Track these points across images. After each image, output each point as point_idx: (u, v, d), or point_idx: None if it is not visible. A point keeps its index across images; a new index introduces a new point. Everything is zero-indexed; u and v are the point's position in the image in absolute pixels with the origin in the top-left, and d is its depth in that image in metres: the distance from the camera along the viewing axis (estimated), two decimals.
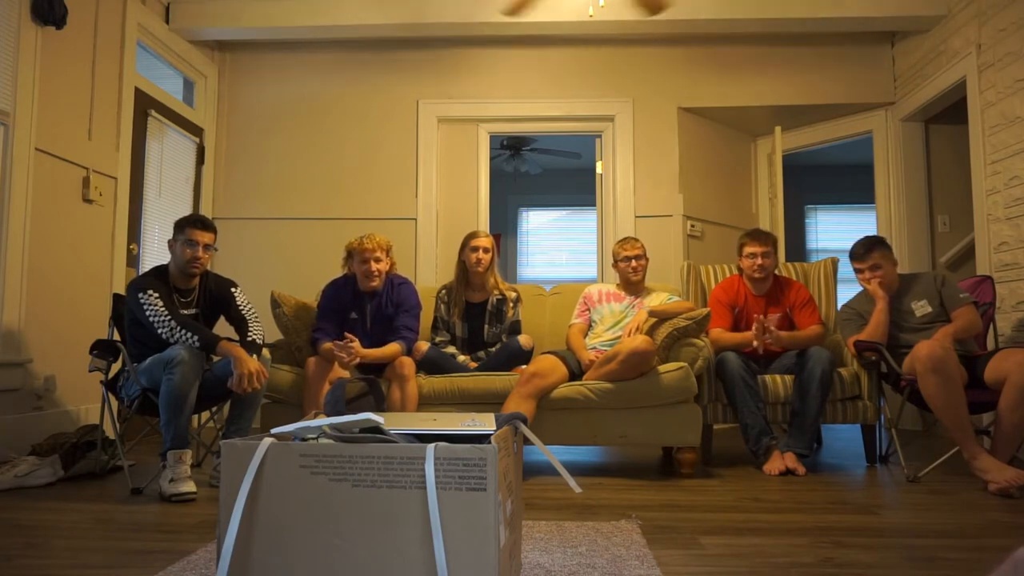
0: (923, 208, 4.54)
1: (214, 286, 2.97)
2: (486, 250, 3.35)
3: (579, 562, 1.72)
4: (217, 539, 1.22)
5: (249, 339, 2.86)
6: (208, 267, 2.92)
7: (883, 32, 4.58)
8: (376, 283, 3.18)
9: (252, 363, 2.67)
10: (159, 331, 2.67)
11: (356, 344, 2.95)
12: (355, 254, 3.19)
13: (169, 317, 2.67)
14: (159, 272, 2.85)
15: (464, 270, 3.40)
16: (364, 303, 3.23)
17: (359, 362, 2.98)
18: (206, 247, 2.84)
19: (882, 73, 4.63)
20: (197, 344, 2.66)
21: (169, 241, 2.88)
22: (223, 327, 3.12)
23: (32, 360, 3.22)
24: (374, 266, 3.14)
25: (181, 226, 2.84)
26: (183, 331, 2.65)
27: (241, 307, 2.98)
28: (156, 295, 2.71)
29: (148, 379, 2.68)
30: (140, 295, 2.70)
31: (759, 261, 3.34)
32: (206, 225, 2.86)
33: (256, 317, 2.98)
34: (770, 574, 1.66)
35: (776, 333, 3.15)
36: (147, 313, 2.68)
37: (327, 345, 3.02)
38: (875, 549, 1.87)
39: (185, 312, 2.87)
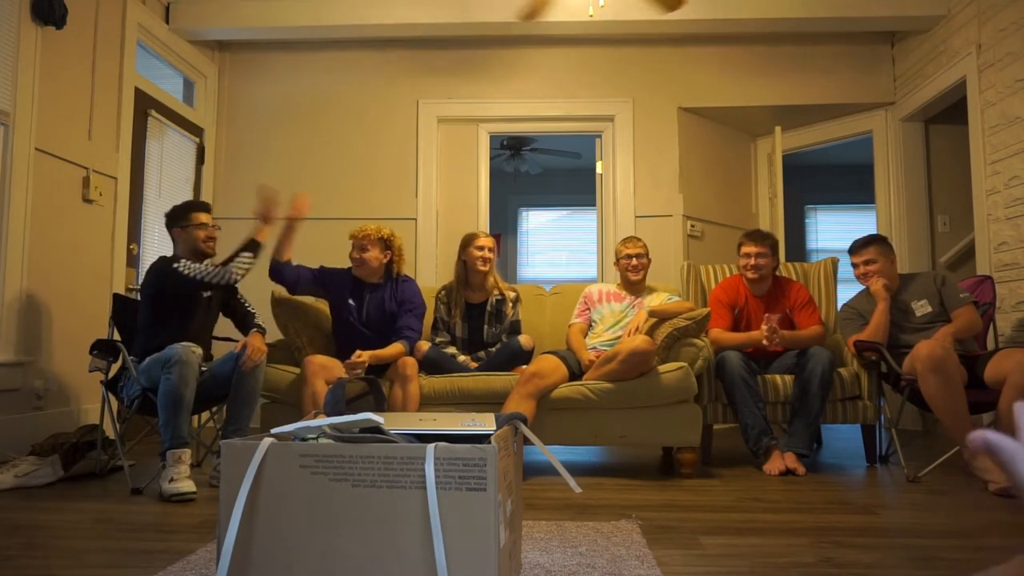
0: (923, 208, 4.54)
1: None
2: (490, 249, 3.36)
3: (579, 562, 1.72)
4: (217, 539, 1.22)
5: (258, 323, 3.06)
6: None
7: (883, 32, 4.58)
8: (363, 272, 3.18)
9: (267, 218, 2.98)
10: (207, 279, 2.78)
11: (364, 358, 2.94)
12: (352, 240, 3.22)
13: (216, 265, 2.83)
14: (172, 256, 2.92)
15: (464, 270, 3.39)
16: (363, 293, 3.21)
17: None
18: (213, 226, 2.98)
19: (882, 73, 4.63)
20: (251, 253, 2.87)
21: (174, 231, 2.93)
22: (223, 324, 3.16)
23: (32, 360, 3.22)
24: (359, 255, 3.17)
25: (183, 214, 2.93)
26: (235, 266, 2.84)
27: (241, 299, 3.13)
28: (188, 261, 2.84)
29: (147, 379, 2.68)
30: (175, 265, 2.80)
31: (753, 261, 3.34)
32: (207, 207, 3.01)
33: (252, 307, 3.16)
34: (770, 574, 1.66)
35: (780, 333, 3.16)
36: (191, 274, 2.78)
37: (284, 254, 3.14)
38: (875, 549, 1.87)
39: (204, 294, 2.95)
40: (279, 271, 3.14)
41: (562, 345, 3.45)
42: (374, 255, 3.17)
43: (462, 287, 3.40)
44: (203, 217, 2.92)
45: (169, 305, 2.84)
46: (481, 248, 3.34)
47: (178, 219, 2.91)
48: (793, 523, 2.15)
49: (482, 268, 3.33)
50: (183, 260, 2.83)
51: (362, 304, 3.20)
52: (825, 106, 4.70)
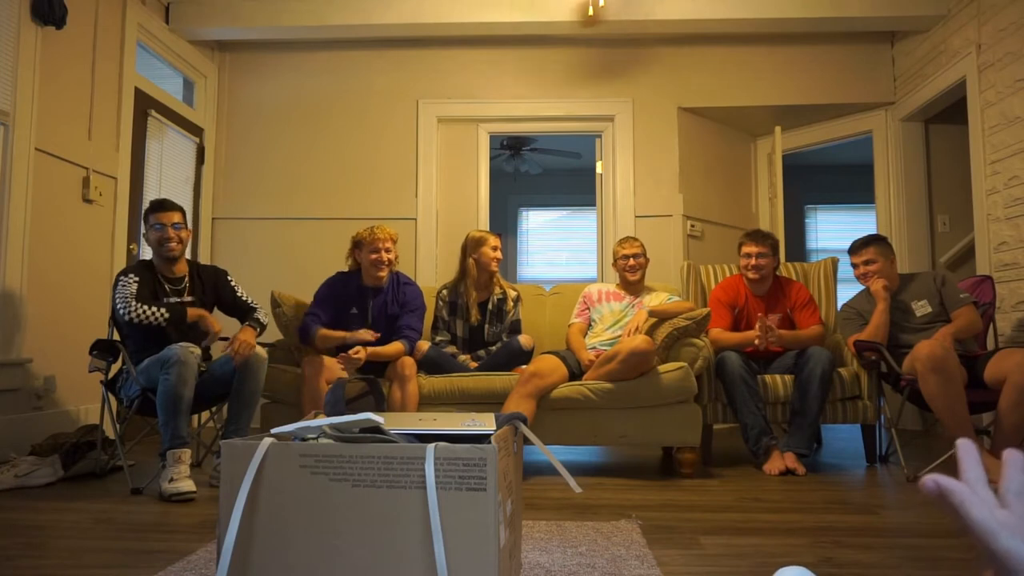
0: (923, 208, 4.54)
1: (205, 274, 3.01)
2: (501, 249, 3.39)
3: (579, 562, 1.72)
4: (217, 539, 1.22)
5: (255, 317, 2.95)
6: (186, 247, 2.94)
7: (883, 32, 4.58)
8: (383, 274, 3.18)
9: (215, 320, 2.78)
10: (120, 311, 2.68)
11: (362, 355, 2.94)
12: (364, 244, 3.19)
13: (131, 296, 2.69)
14: (145, 263, 2.89)
15: (475, 270, 3.37)
16: (367, 299, 3.21)
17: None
18: (174, 225, 2.86)
19: (882, 73, 4.63)
20: (166, 316, 2.69)
21: (144, 236, 2.92)
22: (228, 324, 3.14)
23: (32, 360, 3.21)
24: (384, 256, 3.15)
25: (145, 216, 2.89)
26: (142, 307, 2.67)
27: (241, 295, 3.04)
28: (136, 279, 2.75)
29: (146, 379, 2.68)
30: (121, 277, 2.75)
31: (753, 261, 3.35)
32: (167, 206, 2.88)
33: (255, 303, 3.05)
34: (770, 574, 1.66)
35: (777, 332, 3.16)
36: (116, 296, 2.72)
37: (323, 332, 3.04)
38: (875, 549, 1.87)
39: (178, 300, 2.88)
40: (306, 339, 3.14)
41: (562, 345, 3.45)
42: (393, 255, 3.20)
43: (471, 287, 3.38)
44: (161, 216, 2.83)
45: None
46: (495, 248, 3.36)
47: (143, 224, 2.92)
48: (793, 523, 2.15)
49: (495, 268, 3.35)
50: (131, 275, 2.77)
51: (367, 310, 3.21)
52: (825, 106, 4.70)
